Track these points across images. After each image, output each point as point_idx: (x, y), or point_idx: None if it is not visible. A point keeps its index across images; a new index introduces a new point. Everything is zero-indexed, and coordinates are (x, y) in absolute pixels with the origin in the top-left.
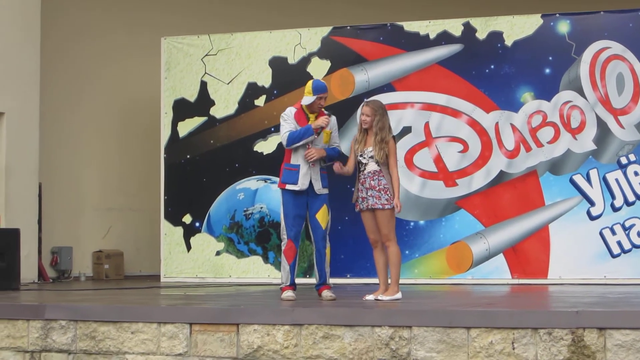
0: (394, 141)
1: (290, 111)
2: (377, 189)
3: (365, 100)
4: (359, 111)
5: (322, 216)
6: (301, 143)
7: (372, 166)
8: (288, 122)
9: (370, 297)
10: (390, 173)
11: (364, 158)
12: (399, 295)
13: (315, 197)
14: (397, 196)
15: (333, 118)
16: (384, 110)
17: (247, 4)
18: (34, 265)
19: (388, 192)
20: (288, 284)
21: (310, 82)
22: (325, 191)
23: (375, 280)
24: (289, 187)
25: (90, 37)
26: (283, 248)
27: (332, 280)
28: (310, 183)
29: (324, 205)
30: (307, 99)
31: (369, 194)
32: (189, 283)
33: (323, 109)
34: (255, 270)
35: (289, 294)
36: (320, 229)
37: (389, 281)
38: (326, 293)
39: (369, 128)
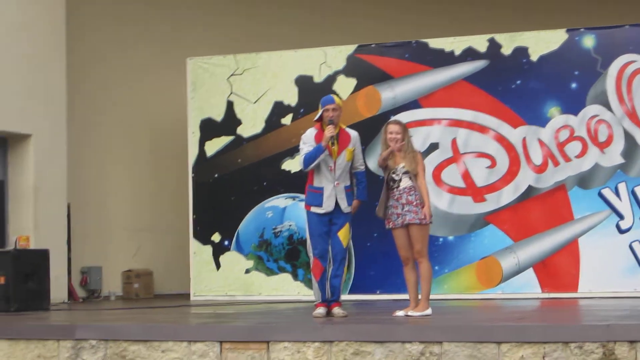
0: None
1: (311, 133)
2: (415, 204)
3: (392, 118)
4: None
5: (344, 234)
6: (316, 162)
7: (406, 182)
8: (307, 144)
9: (400, 313)
10: (419, 184)
11: (397, 175)
12: (429, 311)
13: (340, 215)
14: (428, 205)
15: (355, 134)
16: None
17: (272, 22)
18: (64, 285)
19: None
20: (320, 301)
21: None
22: (350, 209)
23: (404, 297)
24: (313, 209)
25: (115, 56)
26: (311, 266)
27: (361, 297)
28: (337, 202)
29: (347, 224)
30: (318, 115)
31: (405, 209)
32: (219, 301)
33: (344, 127)
34: (285, 288)
35: (318, 311)
36: (341, 246)
37: (419, 297)
38: (338, 310)
39: (400, 147)
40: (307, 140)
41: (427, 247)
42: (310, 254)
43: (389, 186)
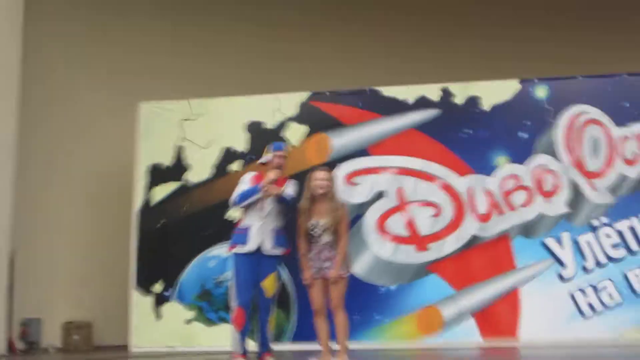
0: (345, 208)
1: (250, 175)
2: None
3: (318, 167)
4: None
5: (270, 284)
6: (248, 201)
7: (327, 237)
8: (244, 185)
9: None
10: (338, 241)
11: (316, 232)
12: None
13: (266, 262)
14: (338, 267)
15: (292, 181)
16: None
17: (226, 66)
18: (3, 338)
19: (346, 261)
20: (240, 352)
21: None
22: (278, 252)
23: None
24: (238, 248)
25: (62, 104)
26: (232, 316)
27: (303, 347)
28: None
29: (273, 273)
30: (265, 157)
31: (325, 265)
32: (159, 352)
33: (287, 178)
34: (225, 338)
35: None
36: (264, 297)
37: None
38: None
39: (325, 194)
40: (245, 182)
41: (344, 299)
42: (233, 303)
43: (309, 239)
